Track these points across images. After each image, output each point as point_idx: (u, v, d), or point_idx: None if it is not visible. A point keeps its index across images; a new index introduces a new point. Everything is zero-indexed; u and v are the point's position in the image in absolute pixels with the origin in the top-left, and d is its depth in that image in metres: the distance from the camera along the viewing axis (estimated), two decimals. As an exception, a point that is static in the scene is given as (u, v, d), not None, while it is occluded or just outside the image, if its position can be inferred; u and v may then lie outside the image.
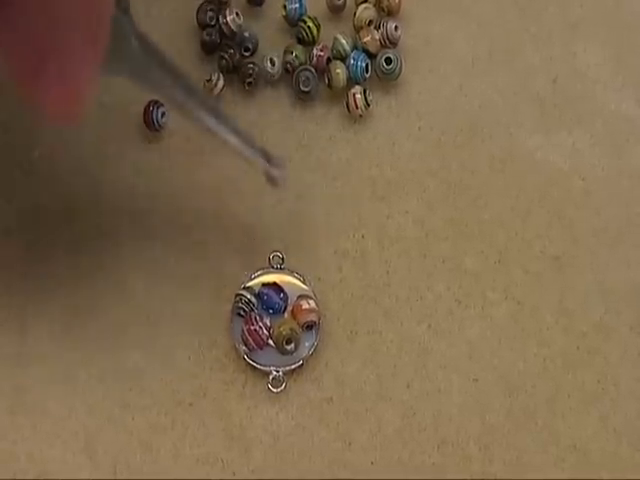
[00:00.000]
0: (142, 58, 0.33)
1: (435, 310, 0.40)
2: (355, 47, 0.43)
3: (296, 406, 0.38)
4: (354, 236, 0.41)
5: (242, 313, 0.38)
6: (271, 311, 0.39)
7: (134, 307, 0.39)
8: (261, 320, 0.38)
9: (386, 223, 0.41)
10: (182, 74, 0.35)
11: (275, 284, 0.39)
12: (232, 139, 0.36)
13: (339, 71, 0.42)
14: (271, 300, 0.39)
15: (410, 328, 0.39)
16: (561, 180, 0.42)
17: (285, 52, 0.43)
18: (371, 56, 0.43)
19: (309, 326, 0.39)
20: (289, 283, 0.39)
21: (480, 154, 0.42)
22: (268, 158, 0.37)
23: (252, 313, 0.38)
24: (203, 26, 0.43)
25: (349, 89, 0.42)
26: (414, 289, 0.40)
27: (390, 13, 0.44)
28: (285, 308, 0.39)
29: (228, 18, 0.43)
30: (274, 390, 0.38)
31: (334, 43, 0.43)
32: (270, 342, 0.38)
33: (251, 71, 0.42)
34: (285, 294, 0.39)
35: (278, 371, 0.38)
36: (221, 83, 0.42)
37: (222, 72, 0.43)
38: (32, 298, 0.40)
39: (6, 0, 0.29)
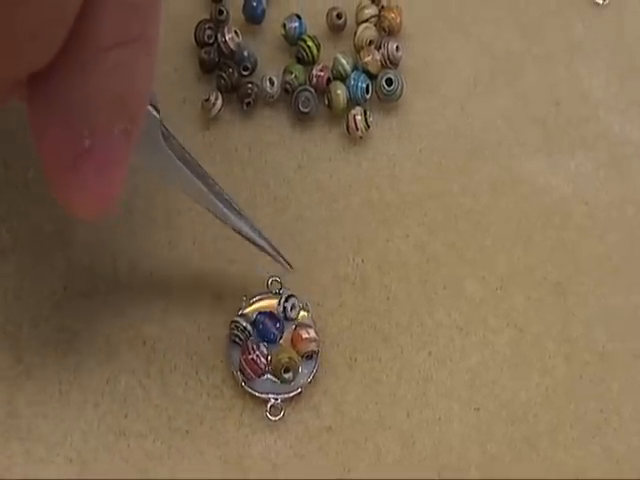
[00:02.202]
0: (166, 155, 0.35)
1: (436, 337, 0.39)
2: (355, 67, 0.42)
3: (294, 434, 0.38)
4: (354, 260, 0.40)
5: (237, 341, 0.38)
6: (266, 340, 0.38)
7: (130, 331, 0.39)
8: (258, 349, 0.38)
9: (386, 247, 0.40)
10: (204, 172, 0.36)
11: (272, 313, 0.38)
12: (249, 233, 0.37)
13: (339, 92, 0.42)
14: (267, 330, 0.38)
15: (410, 355, 0.39)
16: (564, 204, 0.41)
17: (284, 72, 0.42)
18: (372, 77, 0.42)
19: (308, 355, 0.38)
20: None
21: (482, 177, 0.42)
22: (280, 254, 0.38)
23: (248, 342, 0.38)
24: (201, 44, 0.43)
25: (349, 110, 0.42)
26: (414, 315, 0.39)
27: (391, 33, 0.43)
28: (281, 337, 0.38)
29: (227, 36, 0.42)
30: (272, 418, 0.38)
31: (334, 63, 0.42)
32: (268, 370, 0.38)
33: (250, 91, 0.42)
34: (281, 324, 0.38)
35: (276, 399, 0.38)
36: (219, 103, 0.42)
37: (220, 91, 0.42)
38: (26, 320, 0.39)
39: (42, 75, 0.29)
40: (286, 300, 0.38)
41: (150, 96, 0.33)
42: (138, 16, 0.29)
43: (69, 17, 0.28)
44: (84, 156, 0.29)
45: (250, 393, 0.38)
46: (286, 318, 0.38)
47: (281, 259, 0.38)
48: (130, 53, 0.29)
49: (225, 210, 0.37)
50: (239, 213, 0.37)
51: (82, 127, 0.29)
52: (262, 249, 0.38)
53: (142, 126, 0.31)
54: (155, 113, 0.34)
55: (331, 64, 0.42)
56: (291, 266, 0.38)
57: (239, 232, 0.37)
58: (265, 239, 0.38)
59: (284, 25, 0.43)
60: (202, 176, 0.36)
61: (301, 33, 0.43)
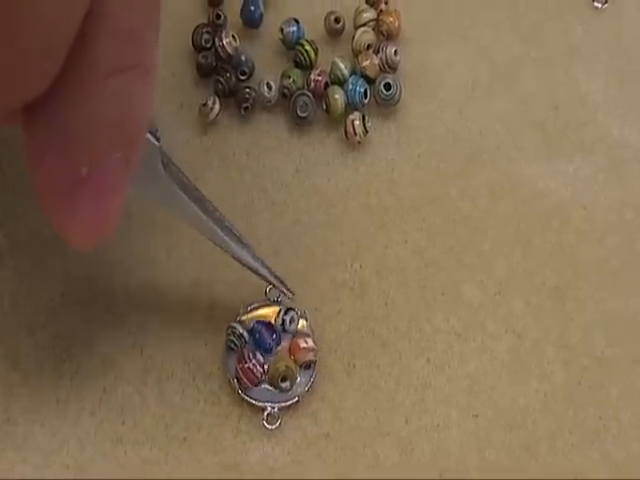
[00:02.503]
0: (166, 184, 0.35)
1: (434, 343, 0.39)
2: (354, 72, 0.42)
3: (292, 441, 0.38)
4: (352, 266, 0.40)
5: (233, 347, 0.38)
6: (262, 350, 0.38)
7: (127, 338, 0.39)
8: (254, 357, 0.37)
9: (384, 252, 0.40)
10: (204, 199, 0.36)
11: (269, 324, 0.38)
12: (250, 261, 0.37)
13: (337, 96, 0.41)
14: (263, 340, 0.38)
15: (409, 361, 0.39)
16: (562, 209, 0.41)
17: (282, 76, 0.42)
18: (370, 81, 0.42)
19: (306, 364, 0.38)
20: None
21: (480, 182, 0.41)
22: (282, 282, 0.38)
23: (244, 350, 0.37)
24: (199, 49, 0.43)
25: (347, 115, 0.41)
26: (413, 321, 0.39)
27: (389, 37, 0.43)
28: (276, 348, 0.38)
29: (224, 41, 0.42)
30: (269, 427, 0.37)
31: (332, 67, 0.42)
32: (265, 379, 0.38)
33: (247, 95, 0.42)
34: (278, 335, 0.38)
35: (273, 407, 0.37)
36: (217, 107, 0.41)
37: (218, 96, 0.42)
38: (23, 327, 0.39)
39: (38, 103, 0.29)
40: (285, 313, 0.38)
41: (149, 123, 0.32)
42: (135, 43, 0.29)
43: (64, 46, 0.27)
44: (81, 184, 0.29)
45: (247, 401, 0.38)
46: (284, 331, 0.38)
47: (283, 287, 0.38)
48: (128, 80, 0.29)
49: (226, 238, 0.37)
50: (240, 240, 0.37)
51: (79, 155, 0.29)
52: (263, 277, 0.38)
53: (140, 154, 0.31)
54: (154, 141, 0.34)
55: (329, 68, 0.42)
56: (293, 293, 0.38)
57: (239, 260, 0.37)
58: (266, 267, 0.38)
59: (282, 29, 0.43)
60: (202, 203, 0.36)
61: (299, 37, 0.43)
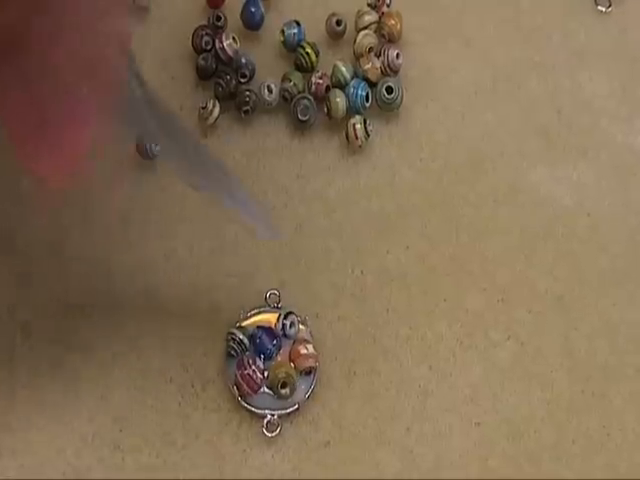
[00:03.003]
0: (149, 120, 0.34)
1: (436, 350, 0.39)
2: (355, 75, 0.42)
3: (292, 449, 0.37)
4: (353, 272, 0.40)
5: (233, 353, 0.37)
6: (262, 356, 0.37)
7: (125, 344, 0.38)
8: (254, 363, 0.37)
9: (386, 258, 0.40)
10: (184, 130, 0.35)
11: (270, 329, 0.38)
12: (234, 200, 0.35)
13: (338, 100, 0.41)
14: (263, 345, 0.37)
15: (410, 369, 0.38)
16: (566, 215, 0.41)
17: (283, 79, 0.42)
18: (371, 84, 0.42)
19: (307, 371, 0.37)
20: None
21: (483, 187, 0.41)
22: (265, 219, 0.36)
23: (244, 357, 0.37)
24: (199, 51, 0.42)
25: (349, 119, 0.41)
26: (414, 328, 0.39)
27: (391, 40, 0.43)
28: (277, 354, 0.38)
29: (225, 43, 0.42)
30: (269, 434, 0.37)
31: (334, 70, 0.42)
32: (264, 384, 0.37)
33: (248, 98, 0.41)
34: (279, 340, 0.38)
35: (273, 415, 0.37)
36: (217, 110, 0.41)
37: (218, 99, 0.41)
38: (20, 332, 0.38)
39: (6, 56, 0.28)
40: (285, 317, 0.37)
41: (129, 60, 0.32)
42: None
43: None
44: (48, 119, 0.29)
45: (247, 408, 0.37)
46: (285, 335, 0.38)
47: (268, 225, 0.36)
48: (102, 18, 0.29)
49: (208, 170, 0.35)
50: (224, 174, 0.36)
51: (45, 89, 0.29)
52: (248, 215, 0.36)
53: (114, 90, 0.30)
54: (135, 79, 0.33)
55: (330, 71, 0.42)
56: (279, 234, 0.37)
57: (224, 198, 0.35)
58: (254, 204, 0.36)
59: (283, 31, 0.42)
60: (182, 136, 0.35)
61: (300, 40, 0.42)
